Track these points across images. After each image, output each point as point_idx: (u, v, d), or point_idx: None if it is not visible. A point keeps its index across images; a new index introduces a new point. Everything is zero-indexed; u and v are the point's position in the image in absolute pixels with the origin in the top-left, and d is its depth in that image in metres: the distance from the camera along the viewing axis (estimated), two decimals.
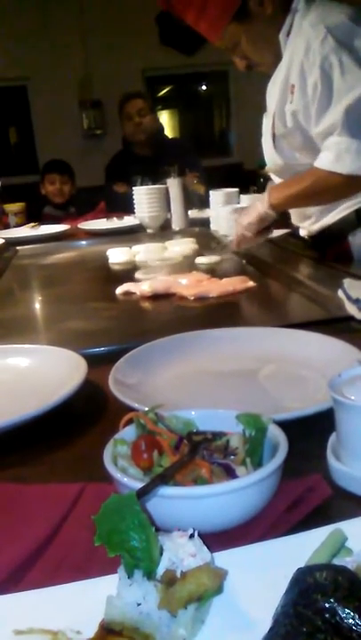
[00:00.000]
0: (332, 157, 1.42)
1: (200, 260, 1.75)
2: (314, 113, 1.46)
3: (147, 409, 0.62)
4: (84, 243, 2.36)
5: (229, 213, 1.96)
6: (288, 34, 1.51)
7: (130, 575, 0.41)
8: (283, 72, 1.54)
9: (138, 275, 1.60)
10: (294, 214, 1.84)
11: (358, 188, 1.53)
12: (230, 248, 1.77)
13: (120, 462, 0.54)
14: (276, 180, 1.85)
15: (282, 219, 1.69)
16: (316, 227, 1.70)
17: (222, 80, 6.41)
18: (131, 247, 1.95)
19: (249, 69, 1.62)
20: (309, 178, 1.51)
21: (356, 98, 1.36)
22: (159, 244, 1.99)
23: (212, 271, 1.60)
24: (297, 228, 1.88)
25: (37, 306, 1.57)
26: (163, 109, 6.75)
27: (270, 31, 1.53)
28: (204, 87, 6.96)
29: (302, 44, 1.43)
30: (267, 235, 1.72)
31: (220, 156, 6.49)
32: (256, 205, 1.65)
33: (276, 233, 1.94)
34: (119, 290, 1.45)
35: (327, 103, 1.42)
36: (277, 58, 1.57)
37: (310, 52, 1.41)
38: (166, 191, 2.44)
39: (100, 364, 0.88)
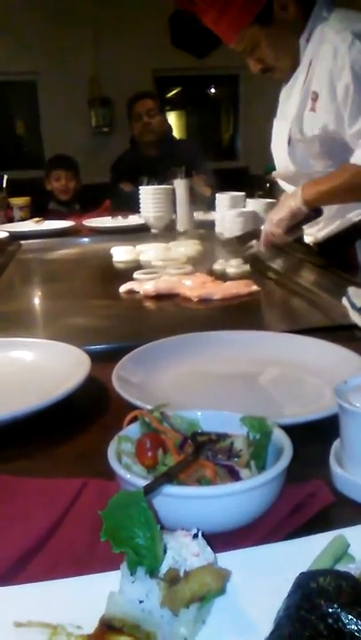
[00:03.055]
0: None
1: (230, 269, 1.65)
2: (347, 115, 1.46)
3: (149, 407, 0.62)
4: (87, 240, 2.36)
5: (263, 212, 1.92)
6: (307, 40, 1.52)
7: (133, 572, 0.40)
8: (302, 78, 1.54)
9: (137, 275, 1.58)
10: None
11: None
12: (258, 248, 1.72)
13: (124, 459, 0.54)
14: (283, 185, 1.85)
15: (317, 213, 1.64)
16: (323, 234, 1.71)
17: (232, 84, 6.41)
18: (135, 246, 1.95)
19: (263, 73, 1.62)
20: (345, 174, 1.51)
21: None
22: (163, 245, 1.99)
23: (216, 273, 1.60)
24: (302, 235, 1.88)
25: (40, 301, 1.56)
26: (171, 110, 6.75)
27: (290, 37, 1.53)
28: (213, 90, 6.96)
29: (329, 50, 1.44)
30: (298, 233, 1.68)
31: (227, 159, 6.49)
32: (288, 201, 1.61)
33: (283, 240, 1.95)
34: (122, 288, 1.45)
35: (359, 105, 1.42)
36: (294, 64, 1.57)
37: (338, 56, 1.42)
38: (172, 192, 2.44)
39: (101, 361, 0.88)
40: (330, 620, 0.36)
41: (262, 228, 1.67)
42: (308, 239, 1.83)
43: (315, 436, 0.65)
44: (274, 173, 1.85)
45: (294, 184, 1.74)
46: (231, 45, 1.55)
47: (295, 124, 1.59)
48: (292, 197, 1.60)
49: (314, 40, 1.51)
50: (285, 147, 1.64)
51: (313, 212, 1.61)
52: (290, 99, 1.63)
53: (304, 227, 1.79)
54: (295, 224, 1.61)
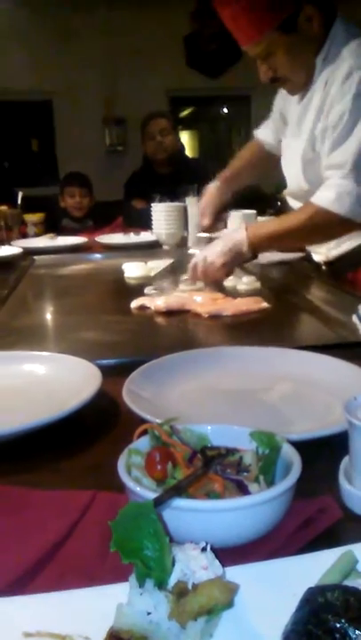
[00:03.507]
0: (332, 197, 1.42)
1: (240, 286, 1.62)
2: (329, 142, 1.45)
3: (159, 421, 0.62)
4: (100, 256, 2.38)
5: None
6: (325, 59, 1.49)
7: (141, 584, 0.41)
8: (317, 99, 1.52)
9: (147, 290, 1.58)
10: None
11: (346, 232, 1.54)
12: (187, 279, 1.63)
13: (134, 472, 0.55)
14: (293, 203, 1.85)
15: (254, 257, 1.58)
16: (335, 252, 1.70)
17: (244, 104, 6.49)
18: (146, 262, 1.97)
19: (273, 82, 1.57)
20: (303, 214, 1.49)
21: None
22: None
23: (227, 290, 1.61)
24: (309, 253, 1.88)
25: (52, 315, 1.58)
26: (184, 129, 6.84)
27: (308, 51, 1.49)
28: (225, 110, 7.05)
29: (343, 71, 1.41)
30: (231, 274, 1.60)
31: None
32: (230, 245, 1.52)
33: (291, 256, 1.96)
34: (134, 304, 1.47)
35: (345, 138, 1.41)
36: (307, 80, 1.54)
37: (348, 80, 1.40)
38: (184, 209, 2.47)
39: (112, 375, 0.89)
40: (337, 635, 0.36)
41: (193, 263, 1.56)
42: (317, 258, 1.82)
43: (324, 452, 0.65)
44: (285, 192, 1.86)
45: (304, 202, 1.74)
46: (245, 47, 1.48)
47: (308, 143, 1.57)
48: (236, 242, 1.52)
49: (331, 61, 1.48)
50: (299, 165, 1.63)
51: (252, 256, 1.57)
52: (304, 119, 1.60)
53: (312, 248, 1.80)
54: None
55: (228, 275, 1.59)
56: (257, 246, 1.54)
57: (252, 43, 1.45)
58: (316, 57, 1.50)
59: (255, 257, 1.60)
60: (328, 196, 1.43)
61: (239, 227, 1.60)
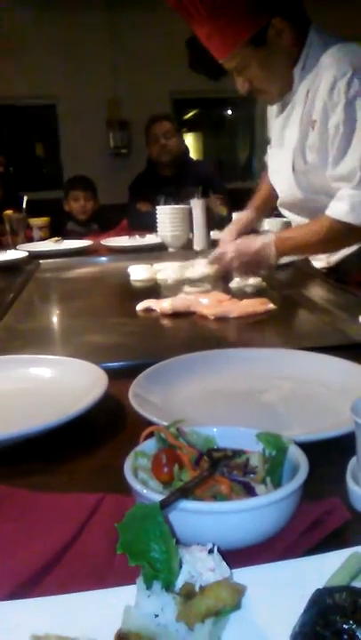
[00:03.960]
0: (346, 208, 1.45)
1: (246, 288, 1.65)
2: (332, 155, 1.47)
3: (166, 423, 0.62)
4: (105, 259, 2.39)
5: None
6: (302, 69, 1.51)
7: (149, 586, 0.41)
8: (300, 107, 1.54)
9: (187, 288, 1.62)
10: None
11: None
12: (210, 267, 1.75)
13: (140, 474, 0.55)
14: (288, 214, 1.86)
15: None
16: (336, 258, 1.71)
17: (248, 106, 6.49)
18: (152, 265, 1.97)
19: (250, 94, 1.61)
20: (321, 226, 1.53)
21: None
22: (180, 264, 2.00)
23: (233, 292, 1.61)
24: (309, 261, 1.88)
25: (58, 318, 1.58)
26: (188, 132, 6.85)
27: (283, 62, 1.52)
28: (229, 112, 7.05)
29: (327, 81, 1.43)
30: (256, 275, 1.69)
31: (243, 179, 6.55)
32: (263, 253, 1.60)
33: (296, 257, 1.95)
34: (139, 306, 1.47)
35: (347, 147, 1.43)
36: (284, 90, 1.57)
37: (335, 90, 1.41)
38: (189, 212, 2.47)
39: (118, 378, 0.89)
40: (345, 637, 0.36)
41: (222, 249, 1.68)
42: (318, 264, 1.82)
43: (331, 454, 0.64)
44: (278, 203, 1.86)
45: (300, 213, 1.74)
46: (220, 62, 1.53)
47: (298, 154, 1.58)
48: (266, 245, 1.59)
49: (309, 69, 1.50)
50: (290, 176, 1.64)
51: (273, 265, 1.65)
52: (287, 129, 1.63)
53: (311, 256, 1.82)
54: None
55: (244, 273, 1.66)
56: (280, 254, 1.61)
57: (226, 57, 1.51)
58: (294, 67, 1.53)
59: (274, 267, 1.66)
60: (342, 208, 1.46)
61: (268, 239, 1.64)
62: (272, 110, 1.74)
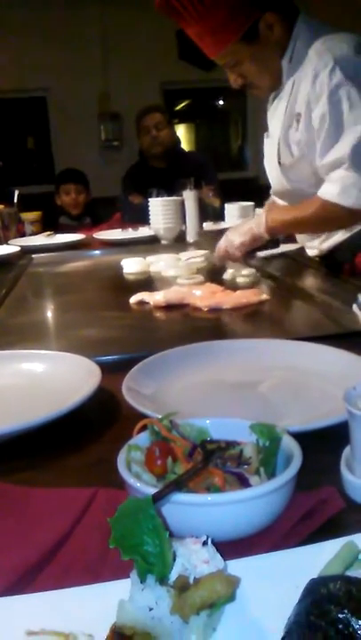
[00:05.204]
0: (337, 190, 1.44)
1: (239, 279, 1.65)
2: (320, 145, 1.46)
3: (160, 416, 0.62)
4: (98, 252, 2.38)
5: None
6: (290, 60, 1.51)
7: (142, 580, 0.41)
8: (285, 99, 1.54)
9: (180, 280, 1.63)
10: (300, 235, 1.85)
11: (356, 222, 1.56)
12: (212, 261, 1.78)
13: (134, 468, 0.54)
14: (280, 202, 1.85)
15: (275, 243, 1.72)
16: (327, 245, 1.71)
17: (240, 95, 6.45)
18: (145, 258, 1.96)
19: (243, 88, 1.61)
20: (312, 206, 1.53)
21: None
22: (173, 256, 2.00)
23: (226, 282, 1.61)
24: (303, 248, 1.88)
25: (51, 313, 1.58)
26: (180, 123, 6.81)
27: (273, 56, 1.52)
28: (221, 102, 7.02)
29: (309, 72, 1.43)
30: (253, 257, 1.74)
31: (236, 170, 6.53)
32: (251, 226, 1.65)
33: (289, 247, 1.95)
34: (133, 299, 1.46)
35: (335, 136, 1.42)
36: (275, 84, 1.57)
37: (317, 82, 1.41)
38: (182, 203, 2.46)
39: (112, 371, 0.88)
40: (340, 626, 0.36)
41: (219, 243, 1.71)
42: (311, 252, 1.82)
43: (325, 443, 0.64)
44: (271, 192, 1.86)
45: (291, 201, 1.74)
46: (212, 58, 1.53)
47: (284, 147, 1.59)
48: (256, 223, 1.64)
49: (296, 61, 1.50)
50: (277, 166, 1.65)
51: (270, 243, 1.69)
52: (274, 119, 1.64)
53: (303, 242, 1.81)
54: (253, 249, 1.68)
55: (245, 253, 1.69)
56: (273, 230, 1.63)
57: (217, 55, 1.51)
58: (282, 60, 1.52)
59: (277, 243, 1.69)
60: (333, 190, 1.45)
61: (260, 215, 1.67)
62: (270, 100, 1.73)
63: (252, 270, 1.67)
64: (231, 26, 1.44)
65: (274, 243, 1.70)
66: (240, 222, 1.76)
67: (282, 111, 1.56)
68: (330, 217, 1.51)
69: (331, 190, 1.46)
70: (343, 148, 1.41)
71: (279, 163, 1.63)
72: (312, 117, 1.45)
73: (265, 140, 1.80)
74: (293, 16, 1.50)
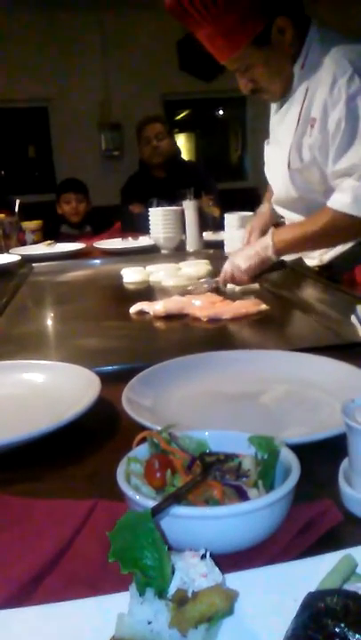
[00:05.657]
0: (349, 200, 1.43)
1: (239, 289, 1.66)
2: (333, 150, 1.46)
3: (160, 428, 0.62)
4: (98, 261, 2.39)
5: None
6: (302, 66, 1.52)
7: (141, 593, 0.41)
8: (298, 105, 1.54)
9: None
10: None
11: None
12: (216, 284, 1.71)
13: (133, 480, 0.55)
14: (283, 212, 1.86)
15: (281, 262, 1.68)
16: (327, 255, 1.71)
17: (239, 106, 6.50)
18: (145, 267, 1.97)
19: (253, 93, 1.61)
20: (322, 218, 1.51)
21: None
22: (173, 265, 2.01)
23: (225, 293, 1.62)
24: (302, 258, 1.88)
25: (51, 322, 1.58)
26: (180, 133, 6.85)
27: (285, 61, 1.52)
28: (221, 112, 7.06)
29: (328, 78, 1.43)
30: (258, 279, 1.69)
31: (236, 180, 6.56)
32: (257, 249, 1.63)
33: (289, 257, 1.96)
34: (133, 309, 1.47)
35: (349, 143, 1.42)
36: (286, 89, 1.57)
37: (336, 87, 1.41)
38: (182, 213, 2.47)
39: (112, 382, 0.89)
40: None
41: (224, 268, 1.67)
42: (311, 262, 1.82)
43: (324, 455, 0.65)
44: (273, 200, 1.86)
45: (295, 210, 1.74)
46: (223, 63, 1.53)
47: (294, 152, 1.58)
48: (262, 246, 1.62)
49: (310, 67, 1.50)
50: (285, 173, 1.64)
51: (277, 264, 1.65)
52: (283, 125, 1.63)
53: (303, 254, 1.82)
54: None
55: (252, 277, 1.66)
56: (282, 250, 1.61)
57: (229, 59, 1.50)
58: (294, 65, 1.53)
59: (283, 265, 1.66)
60: (345, 200, 1.44)
61: (266, 237, 1.64)
62: (273, 106, 1.73)
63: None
64: (243, 29, 1.44)
65: (280, 264, 1.68)
66: (242, 247, 1.71)
67: (294, 117, 1.55)
68: (342, 228, 1.49)
69: (342, 200, 1.45)
70: (356, 156, 1.41)
71: (289, 168, 1.62)
72: (328, 122, 1.45)
73: (266, 147, 1.80)
74: (305, 23, 1.51)
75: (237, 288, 1.65)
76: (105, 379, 0.88)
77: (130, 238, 2.73)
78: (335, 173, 1.48)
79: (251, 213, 2.28)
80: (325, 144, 1.48)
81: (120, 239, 2.78)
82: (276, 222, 1.94)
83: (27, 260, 2.35)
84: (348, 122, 1.41)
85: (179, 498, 0.49)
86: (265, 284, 1.70)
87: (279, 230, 1.66)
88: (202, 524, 0.49)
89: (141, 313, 1.45)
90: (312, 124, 1.50)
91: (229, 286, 1.67)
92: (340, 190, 1.46)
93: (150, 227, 2.51)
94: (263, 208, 1.99)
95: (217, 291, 1.64)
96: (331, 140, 1.46)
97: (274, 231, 1.64)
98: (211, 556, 0.43)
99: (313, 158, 1.54)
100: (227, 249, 2.23)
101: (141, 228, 2.70)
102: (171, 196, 2.70)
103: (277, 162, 1.67)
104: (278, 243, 1.59)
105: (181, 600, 0.41)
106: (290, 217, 1.84)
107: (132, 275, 1.91)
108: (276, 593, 0.44)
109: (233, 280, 1.65)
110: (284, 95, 1.61)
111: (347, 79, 1.40)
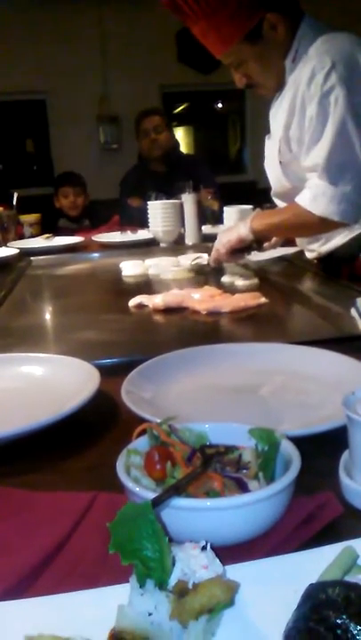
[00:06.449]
0: (310, 196, 1.47)
1: (238, 282, 1.67)
2: (305, 145, 1.49)
3: (159, 420, 0.62)
4: (97, 255, 2.38)
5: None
6: (293, 60, 1.52)
7: (142, 585, 0.41)
8: (288, 98, 1.55)
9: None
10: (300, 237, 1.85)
11: (331, 229, 1.58)
12: (206, 262, 1.82)
13: (133, 472, 0.55)
14: (281, 204, 1.86)
15: (260, 245, 1.74)
16: (326, 248, 1.71)
17: (238, 99, 6.47)
18: (144, 260, 1.96)
19: (248, 88, 1.64)
20: (289, 211, 1.57)
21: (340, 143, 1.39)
22: (172, 258, 2.00)
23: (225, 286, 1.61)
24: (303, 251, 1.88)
25: (50, 316, 1.58)
26: (178, 126, 6.82)
27: (277, 56, 1.53)
28: (220, 105, 7.03)
29: (307, 72, 1.44)
30: (241, 257, 1.77)
31: (235, 173, 6.54)
32: (238, 226, 1.70)
33: (289, 250, 1.95)
34: (132, 302, 1.46)
35: (316, 140, 1.44)
36: (279, 83, 1.58)
37: (313, 82, 1.42)
38: (181, 206, 2.46)
39: (111, 375, 0.89)
40: (339, 631, 0.36)
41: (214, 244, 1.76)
42: (309, 255, 1.82)
43: (324, 448, 0.64)
44: (271, 193, 1.87)
45: (291, 202, 1.75)
46: (217, 57, 1.55)
47: (283, 144, 1.60)
48: (243, 224, 1.68)
49: (298, 61, 1.51)
50: (277, 165, 1.66)
51: (256, 244, 1.71)
52: (276, 118, 1.65)
53: (303, 245, 1.82)
54: (240, 249, 1.71)
55: (238, 258, 1.77)
56: (257, 232, 1.66)
57: (222, 54, 1.53)
58: (285, 59, 1.53)
59: (260, 245, 1.71)
60: (306, 197, 1.49)
61: (248, 217, 1.71)
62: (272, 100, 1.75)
63: (251, 273, 1.68)
64: (235, 25, 1.46)
65: (258, 244, 1.73)
66: (232, 226, 1.79)
67: (284, 110, 1.57)
68: (303, 223, 1.54)
69: (304, 196, 1.49)
70: (319, 154, 1.44)
71: (280, 161, 1.64)
72: (305, 117, 1.47)
73: (266, 141, 1.81)
74: (298, 17, 1.51)
75: (237, 282, 1.65)
76: (104, 372, 0.88)
77: (129, 232, 2.72)
78: (307, 167, 1.51)
79: (250, 207, 2.27)
80: (302, 139, 1.51)
81: (119, 232, 2.78)
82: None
83: (25, 254, 2.34)
84: (319, 119, 1.42)
85: (179, 490, 0.49)
86: (268, 275, 1.71)
87: (259, 213, 1.72)
88: (202, 516, 0.49)
89: (140, 306, 1.45)
90: (295, 117, 1.52)
91: (228, 279, 1.67)
92: (307, 187, 1.50)
93: (149, 220, 2.50)
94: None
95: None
96: (305, 135, 1.48)
97: (254, 214, 1.70)
98: (211, 547, 0.43)
99: (295, 151, 1.55)
100: None
101: (140, 221, 2.69)
102: (170, 190, 2.69)
103: (271, 154, 1.70)
104: (254, 224, 1.65)
105: (182, 591, 0.41)
106: None
107: (131, 268, 1.91)
108: (277, 584, 0.44)
109: (216, 254, 1.74)
110: (278, 89, 1.63)
111: (324, 74, 1.40)
